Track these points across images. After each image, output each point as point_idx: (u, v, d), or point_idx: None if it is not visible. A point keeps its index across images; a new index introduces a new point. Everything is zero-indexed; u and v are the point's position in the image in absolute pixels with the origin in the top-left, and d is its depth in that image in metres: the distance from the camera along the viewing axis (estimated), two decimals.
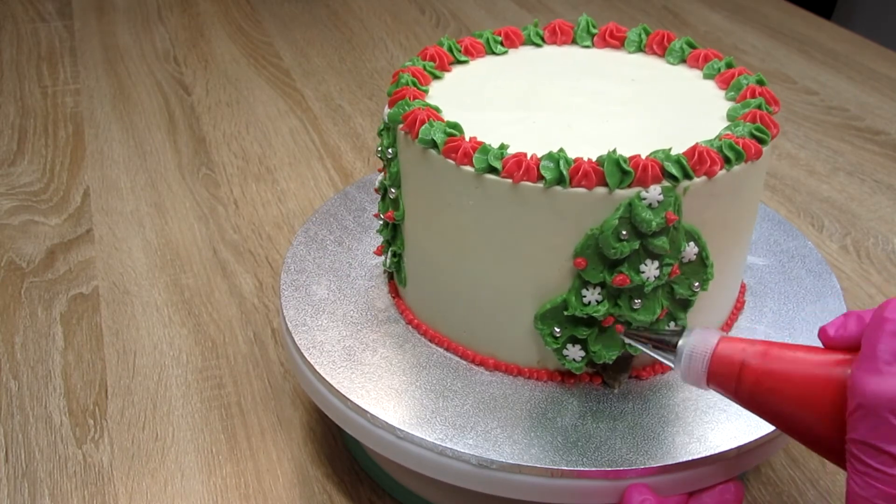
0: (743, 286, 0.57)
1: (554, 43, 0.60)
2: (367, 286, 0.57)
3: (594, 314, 0.46)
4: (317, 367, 0.50)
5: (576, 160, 0.43)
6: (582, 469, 0.44)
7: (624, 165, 0.43)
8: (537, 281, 0.47)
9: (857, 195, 0.90)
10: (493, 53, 0.58)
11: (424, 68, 0.54)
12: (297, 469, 0.57)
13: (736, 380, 0.40)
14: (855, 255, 0.81)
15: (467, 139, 0.46)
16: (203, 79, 1.11)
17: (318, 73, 1.13)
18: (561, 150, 0.44)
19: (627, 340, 0.46)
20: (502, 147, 0.45)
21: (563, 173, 0.43)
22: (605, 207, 0.44)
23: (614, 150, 0.43)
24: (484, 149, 0.45)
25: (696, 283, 0.47)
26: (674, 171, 0.43)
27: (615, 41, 0.59)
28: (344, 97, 1.07)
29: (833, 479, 0.58)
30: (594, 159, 0.44)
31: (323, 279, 0.58)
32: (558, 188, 0.43)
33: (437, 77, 0.54)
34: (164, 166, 0.91)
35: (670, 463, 0.45)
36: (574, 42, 0.60)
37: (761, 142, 0.47)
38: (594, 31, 0.60)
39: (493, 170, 0.44)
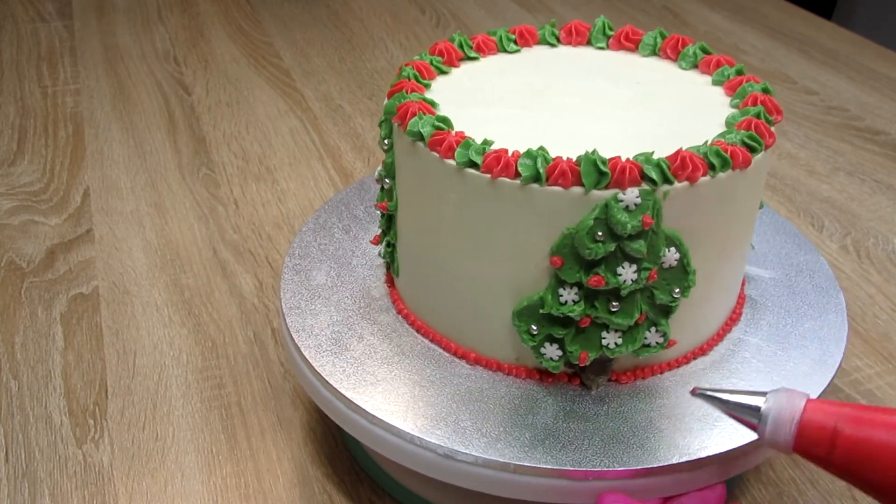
0: (742, 297, 0.56)
1: (569, 44, 0.59)
2: (365, 275, 0.58)
3: (570, 314, 0.46)
4: (302, 350, 0.51)
5: (554, 159, 0.43)
6: (542, 466, 0.44)
7: (601, 166, 0.43)
8: (515, 277, 0.47)
9: (857, 195, 0.90)
10: (505, 51, 0.58)
11: (431, 63, 0.54)
12: (297, 469, 0.57)
13: (828, 447, 0.38)
14: (855, 255, 0.81)
15: (454, 133, 0.46)
16: (203, 79, 1.11)
17: (318, 73, 1.13)
18: (541, 147, 0.44)
19: (704, 402, 0.44)
20: (485, 142, 0.45)
21: (540, 171, 0.43)
22: (582, 207, 0.44)
23: (593, 151, 0.43)
24: (466, 143, 0.45)
25: (677, 290, 0.46)
26: (653, 174, 0.43)
27: (630, 44, 0.58)
28: (344, 97, 1.07)
29: (833, 479, 0.58)
30: (574, 158, 0.44)
31: (324, 265, 0.58)
32: (535, 186, 0.44)
33: (443, 72, 0.55)
34: (164, 166, 0.91)
35: (634, 468, 0.44)
36: (589, 43, 0.59)
37: (752, 150, 0.46)
38: (610, 33, 0.59)
39: (473, 164, 0.45)
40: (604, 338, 0.47)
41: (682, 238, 0.45)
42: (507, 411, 0.48)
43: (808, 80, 1.15)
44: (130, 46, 1.20)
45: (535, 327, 0.47)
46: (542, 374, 0.50)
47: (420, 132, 0.47)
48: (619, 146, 0.45)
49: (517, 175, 0.44)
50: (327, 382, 0.49)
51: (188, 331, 0.69)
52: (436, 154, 0.46)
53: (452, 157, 0.45)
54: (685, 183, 0.44)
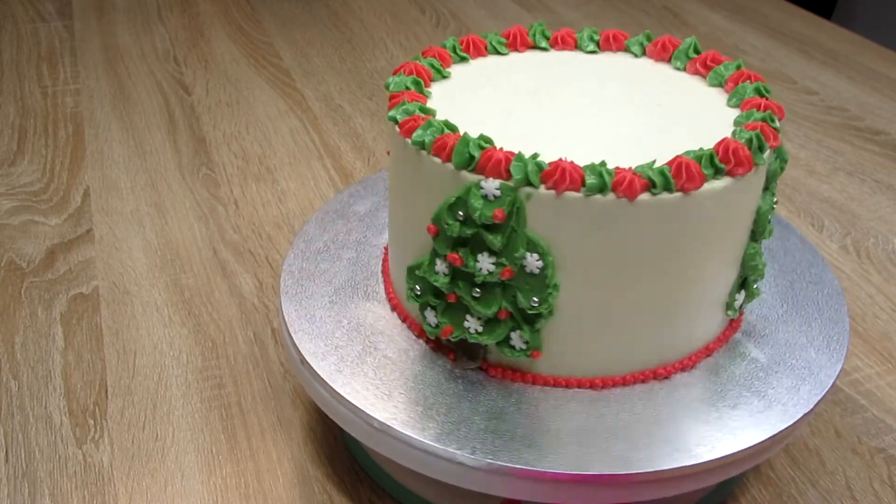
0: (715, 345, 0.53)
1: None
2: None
3: (436, 283, 0.47)
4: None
5: (444, 135, 0.45)
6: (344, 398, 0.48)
7: (472, 150, 0.44)
8: (415, 236, 0.50)
9: (857, 195, 0.90)
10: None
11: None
12: (297, 469, 0.57)
13: None
14: (855, 255, 0.81)
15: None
16: (203, 79, 1.11)
17: (318, 73, 1.13)
18: (446, 120, 0.47)
19: None
20: (423, 109, 0.49)
21: (426, 142, 0.46)
22: (453, 185, 0.45)
23: (480, 136, 0.45)
24: (403, 104, 0.49)
25: (536, 299, 0.45)
26: (515, 172, 0.43)
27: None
28: (344, 97, 1.07)
29: (833, 478, 0.58)
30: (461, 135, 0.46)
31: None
32: (423, 153, 0.46)
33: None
34: (164, 166, 0.91)
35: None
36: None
37: (652, 185, 0.43)
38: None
39: (395, 122, 0.49)
40: (466, 321, 0.48)
41: (549, 247, 0.44)
42: (390, 366, 0.51)
43: (808, 80, 1.15)
44: (130, 46, 1.20)
45: (418, 288, 0.49)
46: (431, 339, 0.52)
47: (395, 118, 0.50)
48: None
49: (411, 139, 0.47)
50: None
51: (188, 331, 0.69)
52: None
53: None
54: (551, 191, 0.43)
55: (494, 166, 0.43)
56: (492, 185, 0.43)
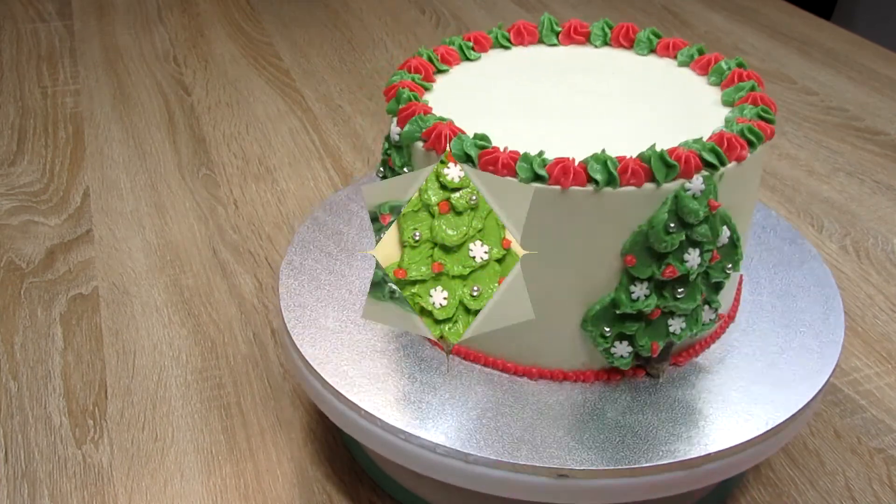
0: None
1: (521, 44, 0.60)
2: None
3: (644, 309, 0.46)
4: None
5: (620, 159, 0.44)
6: (660, 464, 0.45)
7: (667, 159, 0.44)
8: (585, 283, 0.47)
9: (857, 195, 0.90)
10: (468, 59, 0.58)
11: (414, 80, 0.53)
12: (296, 469, 0.57)
13: None
14: (855, 255, 0.81)
15: (503, 150, 0.45)
16: (203, 79, 1.11)
17: (318, 73, 1.13)
18: (603, 150, 0.45)
19: None
20: (541, 154, 0.45)
21: (613, 174, 0.44)
22: (653, 203, 0.45)
23: (654, 146, 0.44)
24: (526, 157, 0.44)
25: (730, 266, 0.48)
26: (711, 159, 0.45)
27: (580, 37, 0.59)
28: (344, 97, 1.07)
29: (832, 479, 0.58)
30: (636, 156, 0.44)
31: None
32: (608, 189, 0.44)
33: (426, 89, 0.54)
34: (164, 166, 0.91)
35: (733, 445, 0.46)
36: (541, 41, 0.60)
37: (770, 122, 0.48)
38: (558, 28, 0.60)
39: (539, 178, 0.44)
40: (670, 325, 0.48)
41: (731, 215, 0.47)
42: (596, 417, 0.48)
43: (808, 80, 1.15)
44: (130, 46, 1.20)
45: (607, 329, 0.48)
46: (609, 374, 0.50)
47: (466, 154, 0.45)
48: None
49: (590, 181, 0.44)
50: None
51: (188, 331, 0.69)
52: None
53: (512, 174, 0.44)
54: (734, 163, 0.46)
55: (695, 164, 0.44)
56: (697, 182, 0.44)
